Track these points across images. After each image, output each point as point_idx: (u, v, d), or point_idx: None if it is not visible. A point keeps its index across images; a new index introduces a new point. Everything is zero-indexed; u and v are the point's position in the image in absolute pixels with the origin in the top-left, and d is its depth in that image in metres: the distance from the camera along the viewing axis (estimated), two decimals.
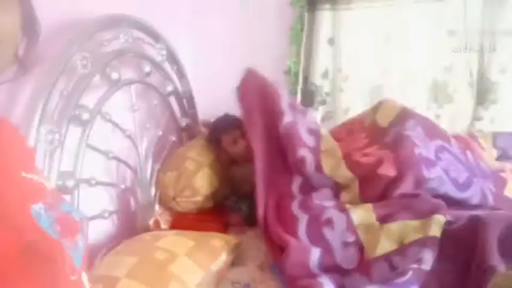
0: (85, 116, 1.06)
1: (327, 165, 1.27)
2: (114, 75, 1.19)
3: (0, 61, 0.48)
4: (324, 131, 1.46)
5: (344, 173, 1.24)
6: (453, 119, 1.75)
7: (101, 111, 1.15)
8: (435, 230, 1.05)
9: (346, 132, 1.54)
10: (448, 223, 1.08)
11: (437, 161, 1.26)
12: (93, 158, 1.16)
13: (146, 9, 1.42)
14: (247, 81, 1.43)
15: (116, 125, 1.21)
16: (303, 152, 1.28)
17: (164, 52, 1.47)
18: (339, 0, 1.74)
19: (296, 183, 1.30)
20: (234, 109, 1.60)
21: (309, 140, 1.33)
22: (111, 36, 1.21)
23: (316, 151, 1.30)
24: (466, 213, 1.13)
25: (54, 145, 0.96)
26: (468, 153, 1.40)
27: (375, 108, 1.49)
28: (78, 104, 1.05)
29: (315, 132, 1.37)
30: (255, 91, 1.39)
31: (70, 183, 1.00)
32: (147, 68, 1.36)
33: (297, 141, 1.30)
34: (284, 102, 1.37)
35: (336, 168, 1.26)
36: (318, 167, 1.27)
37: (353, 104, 1.83)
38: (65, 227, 0.54)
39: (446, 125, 1.74)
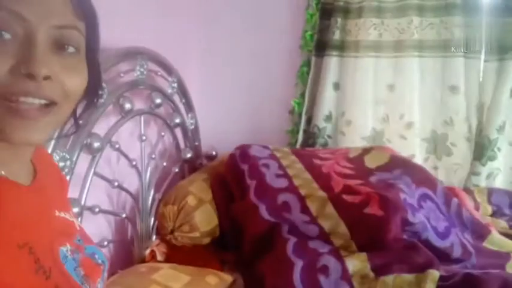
0: (96, 144, 1.08)
1: (312, 207, 1.28)
2: (127, 106, 1.22)
3: (61, 116, 0.51)
4: (290, 163, 1.47)
5: (334, 220, 1.25)
6: (451, 171, 1.79)
7: (111, 140, 1.18)
8: (430, 286, 1.06)
9: (329, 152, 1.57)
10: (442, 279, 1.10)
11: (419, 209, 1.29)
12: (98, 186, 1.17)
13: (159, 42, 1.46)
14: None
15: (123, 154, 1.23)
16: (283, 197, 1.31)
17: (175, 85, 1.51)
18: (347, 48, 1.81)
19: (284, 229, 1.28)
20: (239, 142, 1.63)
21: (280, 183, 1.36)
22: (127, 68, 1.25)
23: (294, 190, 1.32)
24: (459, 270, 1.15)
25: (65, 172, 0.97)
26: (453, 202, 1.42)
27: (365, 151, 1.54)
28: (91, 132, 1.08)
29: (283, 175, 1.39)
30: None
31: (75, 210, 1.01)
32: (158, 100, 1.40)
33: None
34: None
35: (324, 213, 1.27)
36: (304, 209, 1.28)
37: None
38: (88, 271, 0.55)
39: (443, 177, 1.78)
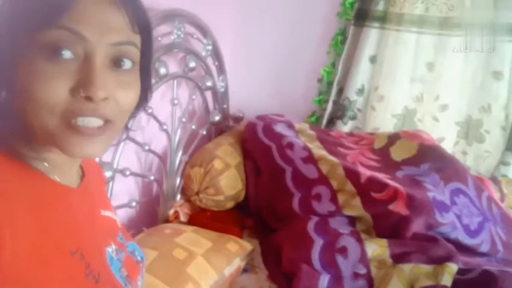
0: None
1: (341, 198, 1.30)
2: (162, 71, 1.20)
3: (117, 131, 0.52)
4: (316, 148, 1.48)
5: (359, 211, 1.26)
6: (480, 159, 1.75)
7: None
8: (447, 279, 1.08)
9: (352, 142, 1.56)
10: (460, 272, 1.11)
11: (452, 206, 1.28)
12: (129, 149, 1.19)
13: (195, 4, 1.42)
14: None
15: (155, 118, 1.23)
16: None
17: (210, 47, 1.48)
18: (389, 21, 1.72)
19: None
20: (265, 108, 1.62)
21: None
22: (165, 30, 1.22)
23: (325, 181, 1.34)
24: (478, 265, 1.16)
25: None
26: (483, 195, 1.41)
27: (391, 140, 1.51)
28: None
29: (310, 159, 1.40)
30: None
31: (108, 173, 1.04)
32: (192, 63, 1.38)
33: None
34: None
35: (350, 204, 1.28)
36: (333, 199, 1.30)
37: (383, 125, 1.83)
38: (130, 270, 0.57)
39: (471, 163, 1.75)
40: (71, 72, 0.46)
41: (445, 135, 1.77)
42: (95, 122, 0.47)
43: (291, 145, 1.44)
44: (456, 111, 1.75)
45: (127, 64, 0.50)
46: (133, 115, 0.57)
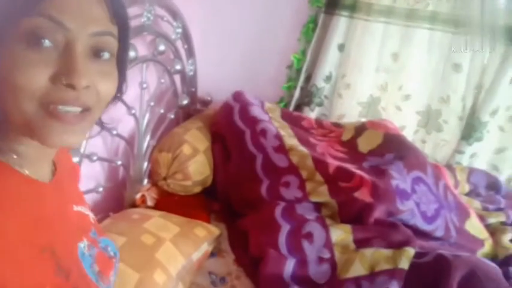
0: None
1: (308, 186, 1.34)
2: (132, 54, 1.17)
3: (94, 120, 0.52)
4: (287, 136, 1.51)
5: (325, 198, 1.30)
6: (437, 147, 1.84)
7: None
8: (404, 262, 1.14)
9: (321, 135, 1.61)
10: (416, 255, 1.18)
11: (412, 194, 1.35)
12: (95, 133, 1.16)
13: None
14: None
15: (124, 103, 1.21)
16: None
17: (180, 30, 1.45)
18: (358, 10, 1.75)
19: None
20: (233, 91, 1.62)
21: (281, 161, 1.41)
22: (135, 13, 1.19)
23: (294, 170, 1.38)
24: (433, 249, 1.24)
25: None
26: (440, 183, 1.49)
27: (358, 131, 1.57)
28: None
29: (281, 149, 1.43)
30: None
31: (76, 159, 1.01)
32: (162, 47, 1.35)
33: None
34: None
35: (317, 190, 1.32)
36: (300, 187, 1.34)
37: (348, 112, 1.88)
38: (102, 266, 0.57)
39: (429, 151, 1.84)
40: (51, 60, 0.45)
41: (406, 124, 1.84)
42: (75, 109, 0.47)
43: (264, 132, 1.45)
44: (417, 101, 1.82)
45: (106, 55, 0.50)
46: (111, 101, 0.57)
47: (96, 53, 0.49)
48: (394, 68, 1.80)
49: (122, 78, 0.55)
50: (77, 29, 0.46)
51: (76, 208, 0.59)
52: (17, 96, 0.45)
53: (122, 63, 0.54)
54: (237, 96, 1.60)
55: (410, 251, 1.18)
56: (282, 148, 1.42)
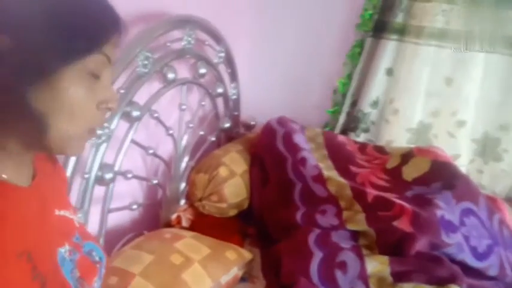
0: (135, 113, 1.10)
1: (345, 215, 1.28)
2: (170, 76, 1.21)
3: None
4: (326, 168, 1.46)
5: (362, 226, 1.23)
6: (496, 178, 1.69)
7: (150, 109, 1.19)
8: None
9: (364, 160, 1.53)
10: None
11: (460, 226, 1.23)
12: (133, 151, 1.20)
13: (210, 10, 1.43)
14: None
15: (161, 123, 1.24)
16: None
17: (223, 54, 1.48)
18: (408, 33, 1.69)
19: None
20: (278, 115, 1.62)
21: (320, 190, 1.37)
22: (175, 37, 1.23)
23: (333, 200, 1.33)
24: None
25: (102, 139, 1.00)
26: (495, 217, 1.36)
27: (404, 158, 1.48)
28: (131, 101, 1.09)
29: (319, 179, 1.39)
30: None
31: (108, 176, 1.05)
32: (203, 70, 1.38)
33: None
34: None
35: (354, 218, 1.26)
36: (337, 214, 1.28)
37: (396, 139, 1.79)
38: (84, 271, 0.57)
39: (486, 183, 1.70)
40: (96, 88, 0.52)
41: (461, 153, 1.71)
42: None
43: (303, 161, 1.43)
44: (473, 128, 1.70)
45: None
46: None
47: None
48: (447, 92, 1.70)
49: None
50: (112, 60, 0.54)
51: (58, 212, 0.60)
52: (72, 120, 0.50)
53: None
54: (282, 121, 1.59)
55: None
56: (320, 178, 1.38)
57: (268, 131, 1.55)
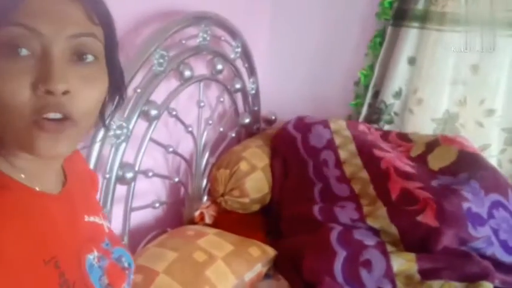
0: (153, 112, 1.10)
1: (365, 210, 1.25)
2: (187, 73, 1.21)
3: (81, 128, 0.50)
4: (349, 157, 1.43)
5: (384, 222, 1.20)
6: None
7: (168, 107, 1.19)
8: None
9: (390, 147, 1.49)
10: None
11: (489, 219, 1.19)
12: (153, 150, 1.20)
13: (228, 4, 1.42)
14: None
15: (180, 120, 1.24)
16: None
17: (239, 50, 1.47)
18: (430, 20, 1.63)
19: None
20: (299, 111, 1.59)
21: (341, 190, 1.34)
22: (190, 34, 1.23)
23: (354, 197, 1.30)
24: None
25: (121, 139, 1.01)
26: None
27: (429, 147, 1.42)
28: (148, 100, 1.09)
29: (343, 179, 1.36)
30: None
31: (129, 175, 1.06)
32: (220, 66, 1.37)
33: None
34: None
35: (375, 213, 1.23)
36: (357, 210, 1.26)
37: (421, 129, 1.74)
38: (113, 278, 0.57)
39: None
40: (29, 68, 0.45)
41: (491, 142, 1.65)
42: (58, 116, 0.46)
43: (325, 162, 1.41)
44: (503, 116, 1.63)
45: (89, 57, 0.49)
46: (112, 114, 0.56)
47: (79, 56, 0.48)
48: (474, 80, 1.64)
49: (116, 82, 0.55)
50: (52, 33, 0.45)
51: (88, 218, 0.60)
52: (5, 111, 0.45)
53: (112, 63, 0.53)
54: (298, 125, 1.55)
55: (489, 286, 1.03)
56: (343, 178, 1.36)
57: (287, 136, 1.53)
